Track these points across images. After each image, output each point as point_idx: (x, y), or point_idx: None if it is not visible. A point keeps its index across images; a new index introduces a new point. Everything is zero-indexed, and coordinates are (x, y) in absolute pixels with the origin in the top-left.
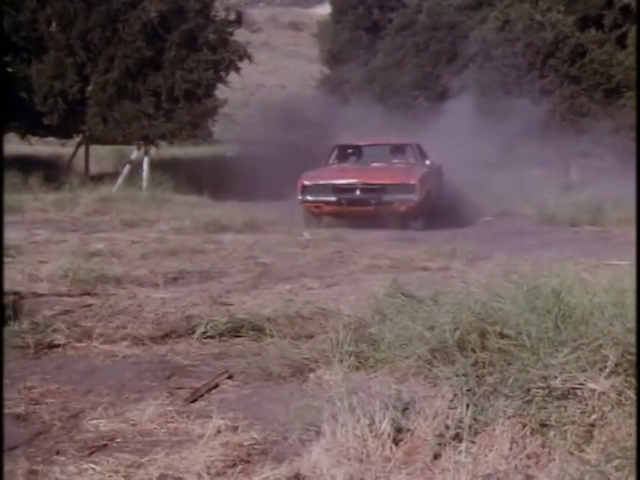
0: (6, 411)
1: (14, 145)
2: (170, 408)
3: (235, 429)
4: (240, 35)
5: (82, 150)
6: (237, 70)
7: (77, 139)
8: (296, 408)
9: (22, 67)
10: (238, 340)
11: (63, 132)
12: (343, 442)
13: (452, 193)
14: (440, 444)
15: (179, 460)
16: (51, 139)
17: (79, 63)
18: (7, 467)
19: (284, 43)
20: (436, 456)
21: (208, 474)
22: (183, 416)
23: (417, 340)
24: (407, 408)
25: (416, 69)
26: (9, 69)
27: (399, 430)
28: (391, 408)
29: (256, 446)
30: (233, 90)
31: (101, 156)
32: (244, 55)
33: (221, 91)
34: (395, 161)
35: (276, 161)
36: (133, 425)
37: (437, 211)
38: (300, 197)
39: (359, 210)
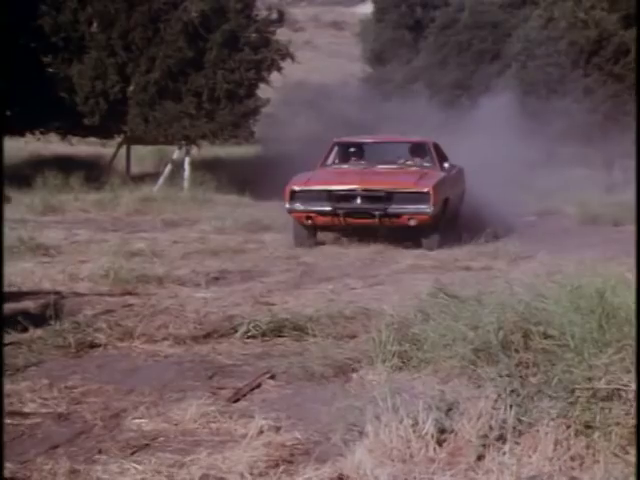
0: (47, 410)
1: (55, 145)
2: (212, 408)
3: (278, 429)
4: (282, 34)
5: (123, 150)
6: (279, 69)
7: (118, 139)
8: (339, 408)
9: (63, 68)
10: (280, 340)
11: (104, 132)
12: (386, 443)
13: (491, 192)
14: (484, 445)
15: (221, 460)
16: (92, 139)
17: (120, 63)
18: (48, 466)
19: (326, 42)
20: (480, 457)
21: (251, 474)
22: (225, 416)
23: (460, 340)
24: (451, 409)
25: (458, 68)
26: (50, 70)
27: (443, 431)
28: (435, 409)
29: (299, 446)
30: (275, 89)
31: (142, 156)
32: (286, 54)
33: (263, 90)
34: (406, 163)
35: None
36: (175, 425)
37: (454, 224)
38: (287, 205)
39: (359, 222)
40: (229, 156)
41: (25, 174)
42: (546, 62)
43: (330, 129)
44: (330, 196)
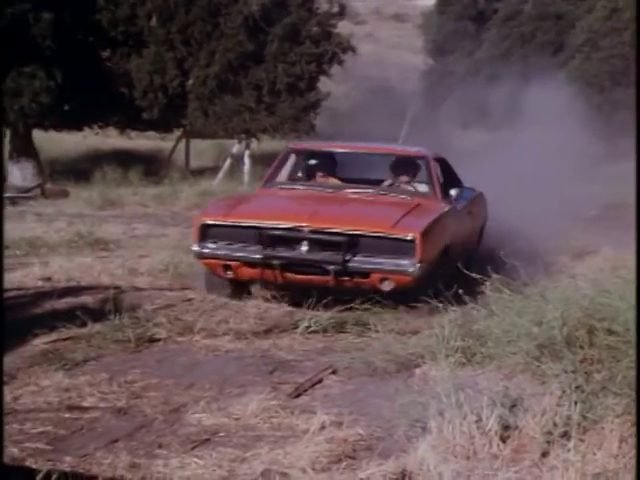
0: (107, 404)
1: (113, 140)
2: (273, 403)
3: (340, 425)
4: (343, 27)
5: (182, 144)
6: (340, 63)
7: (177, 133)
8: (402, 404)
9: (121, 62)
10: (342, 335)
11: (163, 126)
12: (450, 439)
13: (554, 186)
14: (548, 442)
15: (283, 455)
16: (151, 133)
17: (179, 57)
18: (108, 460)
19: (388, 35)
20: (544, 454)
21: (313, 470)
22: (287, 411)
23: (524, 336)
24: (515, 405)
25: (522, 60)
26: (108, 64)
27: (506, 427)
28: (498, 405)
29: (361, 442)
30: (336, 83)
31: (201, 150)
32: (347, 47)
33: (323, 84)
34: (394, 187)
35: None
36: (236, 420)
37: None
38: (196, 247)
39: (304, 280)
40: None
41: (83, 168)
42: (610, 54)
43: (391, 123)
44: (261, 237)
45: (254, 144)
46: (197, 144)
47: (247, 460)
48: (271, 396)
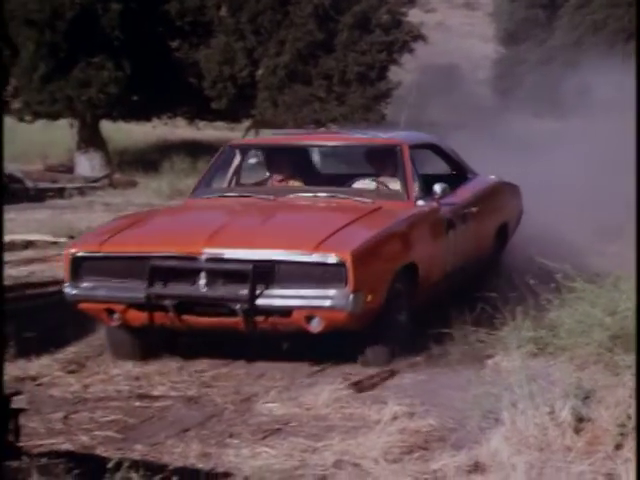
0: (177, 393)
1: (182, 130)
2: (345, 393)
3: (412, 415)
4: (413, 16)
5: (251, 134)
6: (410, 51)
7: (246, 123)
8: (474, 395)
9: (190, 52)
10: None
11: (232, 116)
12: (523, 430)
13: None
14: (622, 434)
15: (355, 446)
16: (219, 124)
17: (249, 47)
18: (178, 449)
19: (459, 23)
20: (618, 446)
21: (385, 460)
22: (358, 402)
23: (597, 326)
24: (588, 397)
25: (594, 48)
26: (177, 55)
27: (580, 419)
28: (571, 396)
29: (433, 433)
30: (406, 71)
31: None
32: (418, 36)
33: (394, 73)
34: (351, 190)
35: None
36: (307, 409)
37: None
38: (68, 289)
39: (211, 324)
40: None
41: (152, 159)
42: None
43: (462, 112)
44: (147, 270)
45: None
46: (266, 134)
47: (318, 450)
48: (342, 386)
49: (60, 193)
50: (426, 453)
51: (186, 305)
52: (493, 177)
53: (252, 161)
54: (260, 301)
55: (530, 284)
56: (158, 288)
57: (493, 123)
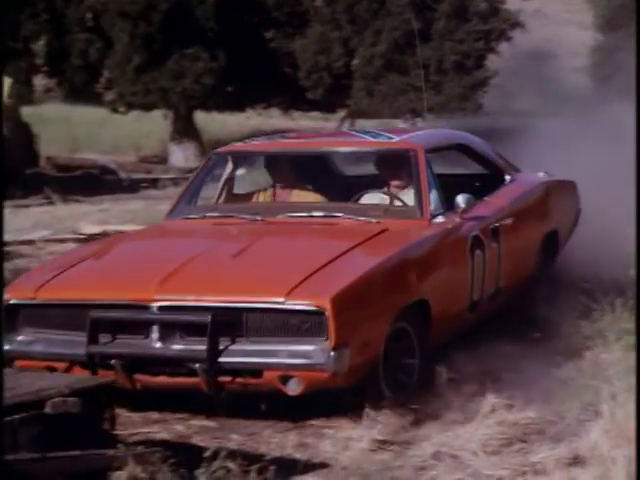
0: None
1: (276, 120)
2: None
3: (510, 408)
4: (511, 3)
5: (346, 124)
6: (508, 39)
7: (341, 113)
8: (573, 387)
9: (285, 43)
10: None
11: (327, 106)
12: (622, 423)
13: None
14: None
15: (453, 437)
16: (314, 114)
17: (345, 37)
18: (275, 440)
19: (556, 10)
20: None
21: (484, 452)
22: (457, 393)
23: None
24: None
25: None
26: (272, 45)
27: None
28: None
29: (532, 425)
30: (503, 60)
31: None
32: (515, 24)
33: (491, 61)
34: (352, 207)
35: (550, 133)
36: None
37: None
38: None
39: (169, 384)
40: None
41: None
42: None
43: (558, 100)
44: (89, 322)
45: (419, 123)
46: (361, 124)
47: (417, 441)
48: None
49: (154, 184)
50: (525, 446)
51: (137, 364)
52: (541, 175)
53: (241, 172)
54: (223, 359)
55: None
56: (101, 345)
57: (589, 111)
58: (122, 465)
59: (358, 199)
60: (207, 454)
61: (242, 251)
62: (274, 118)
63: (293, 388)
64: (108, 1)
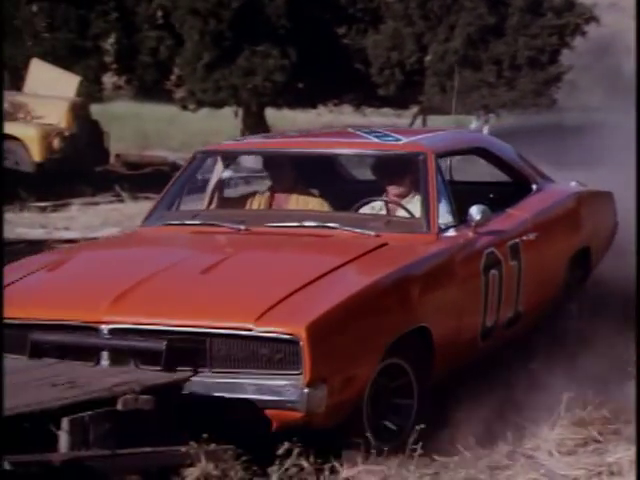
0: None
1: (347, 117)
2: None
3: (585, 407)
4: None
5: (419, 121)
6: (583, 34)
7: (413, 110)
8: None
9: (357, 39)
10: None
11: (399, 103)
12: None
13: None
14: None
15: (528, 437)
16: (386, 110)
17: (417, 33)
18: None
19: (633, 3)
20: None
21: (559, 452)
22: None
23: None
24: None
25: None
26: (344, 41)
27: None
28: None
29: (608, 425)
30: (577, 55)
31: (439, 126)
32: (590, 18)
33: (565, 56)
34: (350, 217)
35: (621, 130)
36: None
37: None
38: None
39: None
40: (526, 125)
41: None
42: None
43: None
44: (31, 345)
45: (493, 120)
46: (434, 121)
47: (491, 441)
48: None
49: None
50: (600, 446)
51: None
52: (573, 184)
53: (227, 174)
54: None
55: None
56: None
57: None
58: (194, 462)
59: (359, 208)
60: (280, 452)
61: (213, 266)
62: (346, 115)
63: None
64: None
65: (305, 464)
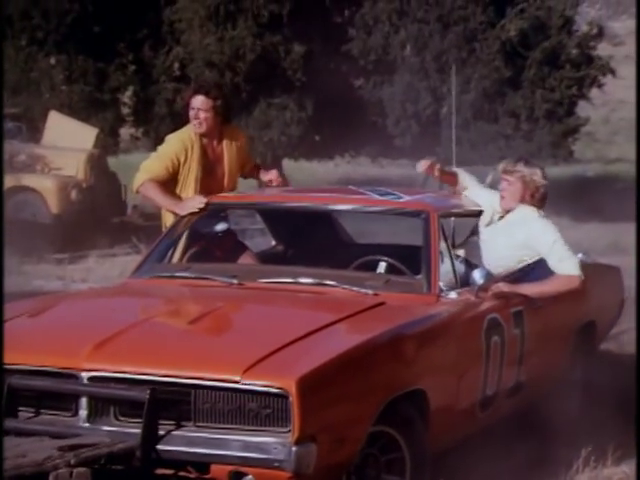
0: None
1: (365, 168)
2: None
3: (604, 461)
4: (602, 49)
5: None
6: (600, 86)
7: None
8: None
9: (374, 91)
10: None
11: (415, 154)
12: None
13: None
14: None
15: None
16: (403, 161)
17: (433, 86)
18: None
19: None
20: None
21: None
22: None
23: None
24: None
25: None
26: (360, 93)
27: None
28: None
29: None
30: (594, 107)
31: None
32: (607, 70)
33: (581, 108)
34: (348, 275)
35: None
36: None
37: None
38: None
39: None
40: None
41: None
42: None
43: None
44: (6, 390)
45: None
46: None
47: None
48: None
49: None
50: None
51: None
52: (580, 256)
53: (220, 227)
54: (162, 446)
55: None
56: (20, 420)
57: None
58: None
59: (358, 266)
60: None
61: (201, 317)
62: (363, 166)
63: None
64: (195, 51)
65: None
